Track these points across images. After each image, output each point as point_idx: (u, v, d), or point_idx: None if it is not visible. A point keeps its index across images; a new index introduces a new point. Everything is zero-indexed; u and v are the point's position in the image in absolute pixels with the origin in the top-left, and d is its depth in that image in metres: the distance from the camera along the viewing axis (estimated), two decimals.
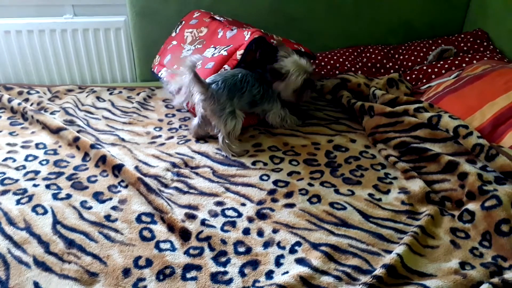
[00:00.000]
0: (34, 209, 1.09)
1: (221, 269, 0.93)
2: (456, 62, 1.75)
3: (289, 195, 1.16)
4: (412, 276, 0.91)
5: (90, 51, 1.92)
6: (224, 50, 1.45)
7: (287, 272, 0.92)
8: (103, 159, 1.27)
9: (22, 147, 1.37)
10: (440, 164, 1.19)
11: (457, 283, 0.88)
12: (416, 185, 1.16)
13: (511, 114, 1.24)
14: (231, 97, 1.33)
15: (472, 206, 1.07)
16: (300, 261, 0.95)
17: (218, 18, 1.63)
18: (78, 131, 1.43)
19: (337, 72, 1.86)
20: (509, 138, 1.21)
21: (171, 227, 1.04)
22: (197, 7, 1.80)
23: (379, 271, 0.88)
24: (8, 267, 0.93)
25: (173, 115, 1.61)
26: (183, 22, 1.71)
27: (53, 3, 1.85)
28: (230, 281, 0.90)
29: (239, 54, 1.42)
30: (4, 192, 1.15)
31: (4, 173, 1.23)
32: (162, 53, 1.70)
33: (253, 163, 1.31)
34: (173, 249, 0.98)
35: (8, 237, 1.00)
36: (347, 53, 1.96)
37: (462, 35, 1.96)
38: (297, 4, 1.92)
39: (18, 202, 1.12)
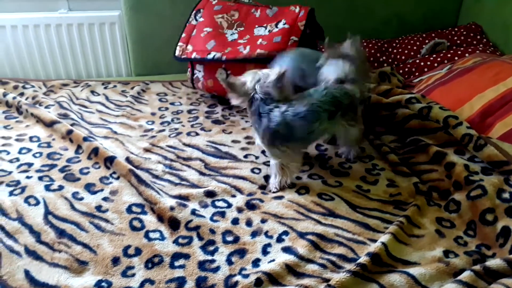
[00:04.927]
0: (26, 200, 1.11)
1: (209, 257, 0.95)
2: (449, 55, 1.75)
3: None
4: (396, 264, 0.92)
5: (85, 45, 1.94)
6: (283, 24, 1.51)
7: (273, 260, 0.93)
8: (95, 151, 1.29)
9: (16, 140, 1.39)
10: (428, 155, 1.21)
11: (439, 271, 0.89)
12: (403, 176, 1.18)
13: (499, 106, 1.25)
14: None
15: (458, 196, 1.08)
16: (287, 250, 0.96)
17: (243, 0, 1.66)
18: (72, 125, 1.45)
19: None
20: (497, 129, 1.22)
21: (160, 217, 1.06)
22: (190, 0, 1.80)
23: (363, 259, 0.90)
24: (0, 255, 0.94)
25: (166, 109, 1.62)
26: (202, 10, 1.66)
27: None
28: (217, 269, 0.92)
29: (301, 25, 1.49)
30: None
31: None
32: (190, 41, 1.61)
33: (245, 156, 1.32)
34: (162, 238, 1.00)
35: (0, 227, 1.02)
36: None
37: (456, 29, 1.97)
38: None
39: (11, 193, 1.13)
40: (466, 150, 1.20)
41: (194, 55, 1.57)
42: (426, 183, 1.17)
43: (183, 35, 1.63)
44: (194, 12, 1.66)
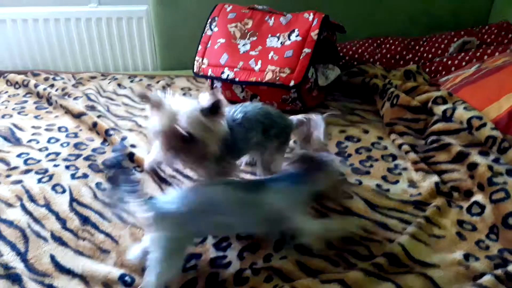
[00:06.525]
0: (53, 188, 1.15)
1: (221, 254, 0.95)
2: (478, 54, 1.70)
3: None
4: (414, 266, 0.91)
5: (113, 39, 1.98)
6: (295, 36, 1.51)
7: (285, 257, 0.93)
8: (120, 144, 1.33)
9: (46, 129, 1.44)
10: (450, 154, 1.19)
11: (459, 274, 0.88)
12: (425, 176, 1.16)
13: None
14: None
15: (481, 198, 1.06)
16: (300, 247, 0.96)
17: (258, 7, 1.65)
18: (98, 116, 1.49)
19: (355, 63, 1.85)
20: None
21: None
22: None
23: (379, 259, 0.89)
24: (28, 240, 0.99)
25: None
26: (216, 18, 1.65)
27: None
28: (228, 264, 0.93)
29: (314, 35, 1.48)
30: (27, 171, 1.22)
31: (28, 154, 1.30)
32: (205, 54, 1.62)
33: None
34: None
35: (29, 213, 1.06)
36: (366, 44, 1.94)
37: (487, 27, 1.90)
38: None
39: (39, 181, 1.18)
40: (491, 152, 1.17)
41: (210, 72, 1.58)
42: (447, 183, 1.15)
43: (199, 47, 1.63)
44: (209, 20, 1.66)
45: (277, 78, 1.47)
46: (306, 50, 1.48)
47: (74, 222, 1.04)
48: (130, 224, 1.03)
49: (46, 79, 1.77)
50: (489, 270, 0.88)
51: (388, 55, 1.90)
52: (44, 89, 1.65)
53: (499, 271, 0.85)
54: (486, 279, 0.84)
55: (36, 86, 1.67)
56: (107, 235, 1.01)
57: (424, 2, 1.98)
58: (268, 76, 1.48)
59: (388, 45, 1.93)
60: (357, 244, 0.97)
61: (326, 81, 1.59)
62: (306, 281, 0.86)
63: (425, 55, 1.88)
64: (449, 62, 1.73)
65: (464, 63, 1.69)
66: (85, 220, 1.05)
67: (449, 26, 1.99)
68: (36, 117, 1.53)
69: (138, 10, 1.92)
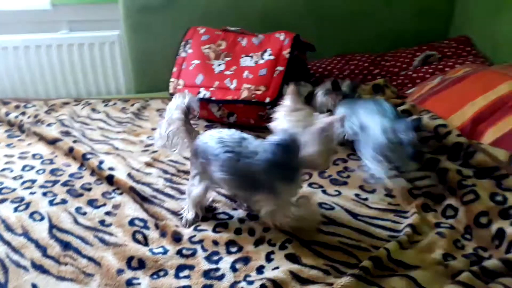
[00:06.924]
0: (31, 215, 1.13)
1: (214, 266, 0.96)
2: (440, 66, 1.81)
3: None
4: (397, 268, 0.94)
5: (85, 65, 1.98)
6: (268, 55, 1.55)
7: (277, 267, 0.95)
8: (98, 167, 1.31)
9: (19, 158, 1.41)
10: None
11: (439, 273, 0.92)
12: (398, 183, 1.21)
13: (490, 113, 1.29)
14: None
15: (453, 201, 1.11)
16: (290, 257, 0.98)
17: (230, 28, 1.70)
18: (74, 142, 1.47)
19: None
20: (489, 135, 1.26)
21: (163, 233, 1.07)
22: (189, 20, 1.86)
23: (365, 262, 0.92)
24: (7, 270, 0.95)
25: None
26: (190, 40, 1.69)
27: (49, 19, 1.91)
28: (222, 276, 0.93)
29: (286, 53, 1.55)
30: (2, 201, 1.19)
31: (1, 183, 1.27)
32: (180, 75, 1.65)
33: None
34: (165, 252, 1.01)
35: (7, 243, 1.03)
36: (335, 61, 2.02)
37: (446, 41, 2.03)
38: (288, 14, 1.98)
39: (15, 209, 1.15)
40: (458, 157, 1.23)
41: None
42: (420, 189, 1.19)
43: (174, 69, 1.67)
44: (183, 43, 1.70)
45: (253, 95, 1.50)
46: (279, 68, 1.53)
47: (55, 249, 1.02)
48: (112, 245, 1.02)
49: (17, 107, 1.74)
50: (466, 268, 0.92)
51: (357, 71, 1.98)
52: (16, 117, 1.62)
53: (475, 268, 0.89)
54: (464, 275, 0.87)
55: (7, 114, 1.64)
56: (90, 259, 0.99)
57: (389, 21, 2.10)
58: (244, 94, 1.51)
59: (356, 61, 2.02)
60: (346, 252, 0.99)
61: (299, 97, 1.64)
62: None
63: (391, 69, 1.97)
64: (414, 75, 1.83)
65: (428, 76, 1.78)
66: (66, 245, 1.03)
67: (411, 42, 2.11)
68: (8, 145, 1.49)
69: (111, 35, 1.93)
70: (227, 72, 1.58)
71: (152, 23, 1.89)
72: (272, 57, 1.55)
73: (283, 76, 1.52)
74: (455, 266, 0.93)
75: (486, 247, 0.99)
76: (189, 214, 1.10)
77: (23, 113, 1.70)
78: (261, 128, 1.57)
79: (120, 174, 1.30)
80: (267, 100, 1.50)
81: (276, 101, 1.49)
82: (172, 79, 1.66)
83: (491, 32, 1.87)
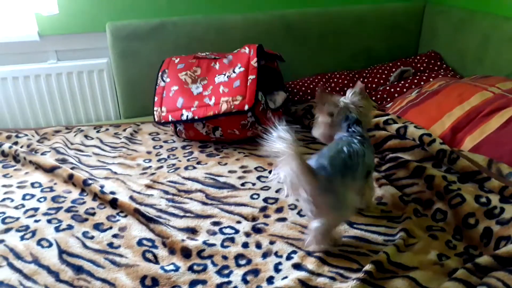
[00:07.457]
0: (39, 242, 1.14)
1: (225, 279, 1.01)
2: (415, 81, 1.93)
3: (279, 210, 1.26)
4: (397, 270, 1.01)
5: (74, 93, 1.99)
6: (239, 68, 1.64)
7: (286, 277, 1.00)
8: (100, 192, 1.34)
9: (18, 187, 1.42)
10: (408, 170, 1.33)
11: (436, 272, 1.00)
12: (388, 191, 1.29)
13: (467, 122, 1.41)
14: (345, 182, 1.02)
15: (442, 205, 1.20)
16: (297, 266, 1.04)
17: (201, 55, 1.77)
18: (72, 168, 1.49)
19: (309, 97, 2.02)
20: (467, 143, 1.37)
21: (172, 250, 1.11)
22: (174, 46, 1.94)
23: (368, 266, 0.99)
24: None
25: (161, 147, 1.70)
26: (167, 70, 1.76)
27: (37, 49, 1.93)
28: None
29: (254, 63, 1.63)
30: (7, 230, 1.20)
31: (4, 213, 1.28)
32: (162, 103, 1.72)
33: (242, 184, 1.40)
34: (176, 269, 1.05)
35: (18, 271, 1.05)
36: (316, 80, 2.12)
37: (418, 57, 2.17)
38: (268, 38, 2.07)
39: (22, 238, 1.17)
40: (443, 164, 1.34)
41: (170, 118, 1.68)
42: (409, 195, 1.28)
43: (156, 99, 1.74)
44: (160, 73, 1.77)
45: (232, 106, 1.58)
46: (251, 77, 1.62)
47: (67, 274, 1.04)
48: (124, 266, 1.05)
49: (8, 137, 1.74)
50: (460, 265, 1.01)
51: (337, 88, 2.09)
52: (10, 147, 1.62)
53: (469, 264, 0.97)
54: (459, 272, 0.95)
55: (0, 145, 1.64)
56: (104, 280, 1.02)
57: (363, 41, 2.23)
58: (224, 107, 1.59)
59: (335, 79, 2.13)
60: (348, 258, 1.06)
61: (275, 105, 1.75)
62: None
63: (369, 85, 2.09)
64: (392, 90, 1.94)
65: (405, 90, 1.91)
66: (78, 269, 1.05)
67: (385, 59, 2.25)
68: (5, 175, 1.50)
69: (99, 63, 1.97)
70: (205, 93, 1.66)
71: (139, 50, 1.94)
72: (242, 69, 1.64)
73: (256, 83, 1.61)
74: (450, 265, 1.01)
75: (476, 246, 1.08)
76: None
77: (16, 143, 1.70)
78: (246, 141, 1.65)
79: (122, 197, 1.33)
80: (246, 107, 1.57)
81: (254, 106, 1.58)
82: (155, 108, 1.73)
83: (457, 47, 2.02)
